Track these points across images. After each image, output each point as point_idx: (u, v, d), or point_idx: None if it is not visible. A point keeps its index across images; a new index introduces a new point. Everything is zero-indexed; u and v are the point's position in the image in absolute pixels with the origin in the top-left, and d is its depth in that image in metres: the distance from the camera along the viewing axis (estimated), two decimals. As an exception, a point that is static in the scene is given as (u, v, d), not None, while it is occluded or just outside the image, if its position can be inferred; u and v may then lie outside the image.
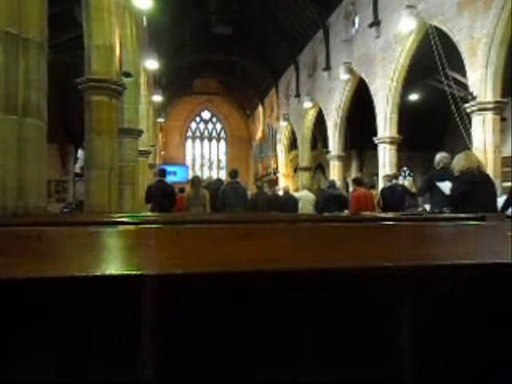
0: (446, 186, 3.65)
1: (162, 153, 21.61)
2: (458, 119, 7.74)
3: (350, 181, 11.93)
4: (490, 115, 6.82)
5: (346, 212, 6.64)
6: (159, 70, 13.28)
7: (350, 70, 11.26)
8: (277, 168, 18.93)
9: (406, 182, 15.10)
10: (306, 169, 16.07)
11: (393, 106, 9.75)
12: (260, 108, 22.27)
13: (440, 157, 4.32)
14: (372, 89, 10.43)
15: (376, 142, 10.11)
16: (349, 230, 0.90)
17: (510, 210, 3.65)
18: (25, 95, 2.93)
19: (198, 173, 23.24)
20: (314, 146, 17.00)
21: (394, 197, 6.21)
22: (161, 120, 18.72)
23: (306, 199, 7.17)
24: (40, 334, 0.33)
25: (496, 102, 6.80)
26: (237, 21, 16.00)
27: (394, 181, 6.68)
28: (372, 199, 6.48)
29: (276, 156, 19.10)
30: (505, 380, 0.40)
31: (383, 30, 10.00)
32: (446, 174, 3.87)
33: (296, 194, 7.87)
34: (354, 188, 7.06)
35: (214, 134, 25.35)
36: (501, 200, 3.95)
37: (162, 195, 6.11)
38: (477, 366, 0.40)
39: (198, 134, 25.14)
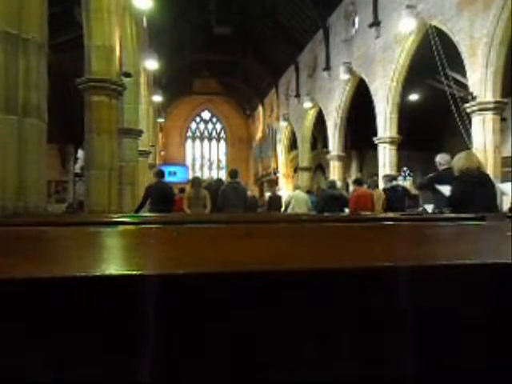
0: (444, 189, 3.65)
1: (162, 153, 21.62)
2: (458, 119, 7.74)
3: (350, 181, 11.94)
4: (489, 115, 6.82)
5: (347, 211, 6.66)
6: (159, 70, 13.28)
7: (350, 70, 11.26)
8: (277, 168, 18.94)
9: (406, 182, 15.10)
10: (306, 169, 16.08)
11: (393, 106, 9.75)
12: (260, 108, 22.27)
13: (441, 158, 4.34)
14: (372, 89, 10.43)
15: (376, 142, 10.11)
16: (349, 229, 0.90)
17: None
18: (25, 95, 2.93)
19: (198, 173, 23.26)
20: (313, 146, 17.00)
21: (395, 197, 6.22)
22: (161, 120, 18.73)
23: (298, 198, 7.50)
24: (39, 334, 0.33)
25: (496, 102, 6.80)
26: (237, 21, 16.00)
27: (394, 182, 6.68)
28: (372, 199, 6.48)
29: (276, 156, 19.10)
30: (505, 381, 0.40)
31: (383, 30, 10.00)
32: (449, 174, 3.85)
33: (289, 194, 8.24)
34: (354, 188, 7.10)
35: (213, 134, 25.35)
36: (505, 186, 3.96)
37: (161, 196, 6.11)
38: (477, 366, 0.40)
39: (197, 134, 25.14)
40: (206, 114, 25.18)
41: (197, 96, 23.70)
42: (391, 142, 9.83)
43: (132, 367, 0.35)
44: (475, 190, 3.33)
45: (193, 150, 24.88)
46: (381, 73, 10.02)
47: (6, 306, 0.33)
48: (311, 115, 15.21)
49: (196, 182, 6.44)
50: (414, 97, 13.52)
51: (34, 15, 3.03)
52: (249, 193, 7.29)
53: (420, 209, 6.19)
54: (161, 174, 6.53)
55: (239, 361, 0.36)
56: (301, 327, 0.37)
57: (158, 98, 14.55)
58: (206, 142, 25.26)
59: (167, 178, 8.08)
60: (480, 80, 6.83)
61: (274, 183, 17.60)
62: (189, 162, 24.40)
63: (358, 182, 7.09)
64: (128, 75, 6.97)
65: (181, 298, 0.35)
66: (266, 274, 0.37)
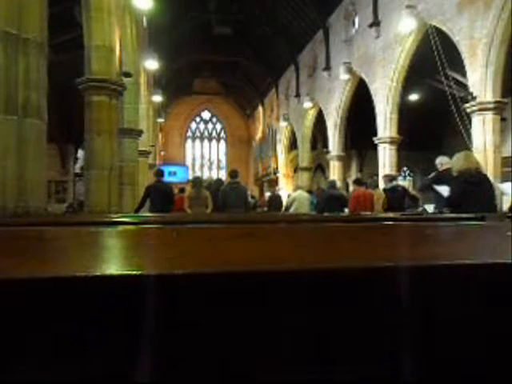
0: (443, 189, 3.66)
1: (162, 153, 21.60)
2: (458, 119, 7.74)
3: (350, 181, 11.95)
4: (490, 115, 6.82)
5: (347, 211, 6.65)
6: (159, 70, 13.28)
7: (350, 70, 11.25)
8: (277, 168, 18.94)
9: (406, 182, 15.08)
10: (306, 169, 16.08)
11: (393, 105, 9.75)
12: (260, 108, 22.27)
13: (441, 159, 4.37)
14: (372, 89, 10.43)
15: (376, 142, 10.11)
16: (349, 229, 0.90)
17: None
18: (25, 95, 2.93)
19: (198, 173, 23.25)
20: (313, 146, 17.00)
21: (395, 197, 6.22)
22: (161, 120, 18.71)
23: (300, 199, 7.57)
24: (40, 334, 0.33)
25: (496, 102, 6.79)
26: (237, 21, 16.00)
27: (394, 182, 6.68)
28: (372, 199, 6.47)
29: (276, 156, 19.10)
30: (505, 380, 0.40)
31: (383, 30, 10.00)
32: (449, 174, 3.86)
33: (291, 195, 8.26)
34: (354, 188, 7.10)
35: (213, 134, 25.35)
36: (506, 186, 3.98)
37: (161, 196, 6.10)
38: (477, 366, 0.40)
39: (197, 134, 25.14)
40: (205, 114, 25.18)
41: (197, 96, 23.68)
42: (391, 142, 9.83)
43: (131, 366, 0.35)
44: (473, 190, 3.34)
45: (193, 150, 24.87)
46: (381, 73, 10.02)
47: (7, 305, 0.33)
48: (311, 115, 15.21)
49: (197, 182, 6.44)
50: (414, 97, 13.51)
51: (34, 15, 3.03)
52: (248, 192, 7.28)
53: (420, 209, 6.19)
54: (161, 173, 6.53)
55: (239, 360, 0.36)
56: (301, 327, 0.37)
57: (158, 98, 14.53)
58: (206, 141, 25.25)
59: (167, 178, 8.08)
60: (480, 80, 6.83)
61: (274, 183, 17.59)
62: (189, 162, 24.40)
63: (357, 182, 7.08)
64: (128, 75, 6.96)
65: (180, 298, 0.35)
66: (265, 273, 0.37)
